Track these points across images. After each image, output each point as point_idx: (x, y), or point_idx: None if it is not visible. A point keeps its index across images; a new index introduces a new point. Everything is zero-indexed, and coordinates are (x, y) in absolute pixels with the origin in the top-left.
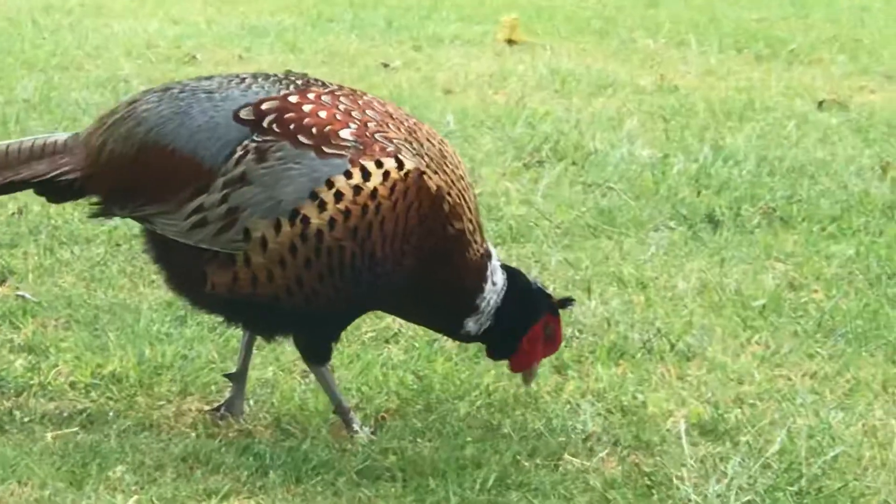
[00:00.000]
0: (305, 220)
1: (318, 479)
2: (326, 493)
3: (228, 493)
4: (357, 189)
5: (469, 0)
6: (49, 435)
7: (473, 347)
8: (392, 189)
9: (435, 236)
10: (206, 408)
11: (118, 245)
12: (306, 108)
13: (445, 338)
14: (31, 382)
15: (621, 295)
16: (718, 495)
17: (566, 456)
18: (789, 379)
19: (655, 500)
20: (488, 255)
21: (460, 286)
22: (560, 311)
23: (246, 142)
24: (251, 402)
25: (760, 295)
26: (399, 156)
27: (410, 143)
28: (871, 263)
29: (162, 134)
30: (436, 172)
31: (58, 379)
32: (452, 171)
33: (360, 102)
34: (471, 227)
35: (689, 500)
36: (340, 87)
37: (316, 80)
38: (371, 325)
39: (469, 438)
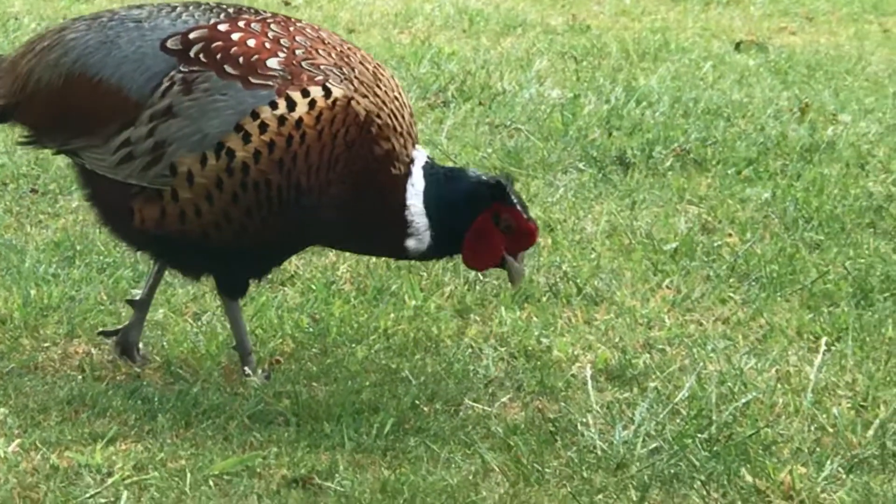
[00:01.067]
0: (230, 153)
1: (208, 423)
2: (217, 437)
3: (115, 437)
4: (282, 119)
5: None
6: None
7: (371, 290)
8: (318, 118)
9: (362, 160)
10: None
11: (5, 184)
12: (234, 36)
13: (342, 280)
14: None
15: None
16: (625, 442)
17: (467, 401)
18: (700, 324)
19: (559, 447)
20: (411, 163)
21: (385, 205)
22: (511, 200)
23: (172, 73)
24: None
25: (672, 238)
26: (327, 84)
27: (341, 69)
28: (788, 207)
29: (88, 64)
30: (365, 96)
31: None
32: (385, 92)
33: (290, 30)
34: (399, 143)
35: (595, 447)
36: (274, 15)
37: (249, 8)
38: None
39: (366, 383)
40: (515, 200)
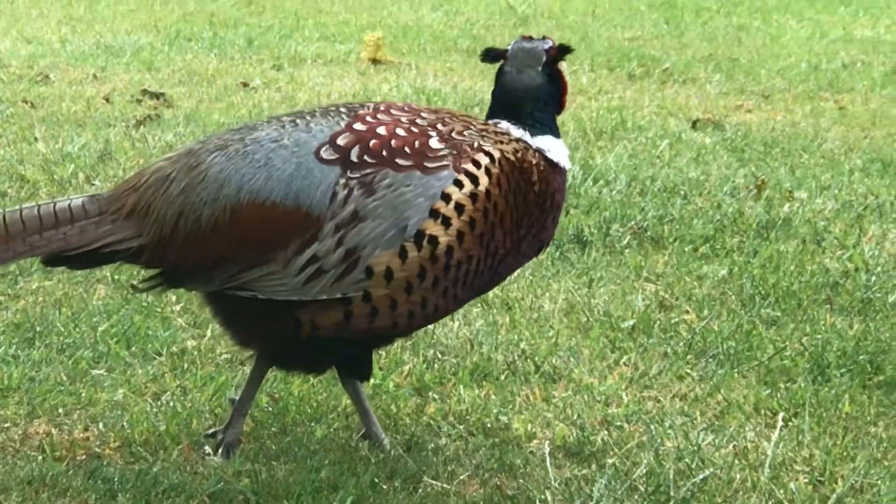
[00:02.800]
0: (433, 240)
1: (168, 502)
2: None
3: None
4: (473, 196)
5: (332, 19)
6: None
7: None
8: (499, 184)
9: (535, 204)
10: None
11: None
12: (381, 130)
13: None
14: None
15: (485, 316)
16: None
17: (426, 479)
18: (658, 401)
19: None
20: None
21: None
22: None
23: (342, 180)
24: (100, 425)
25: (629, 316)
26: (484, 148)
27: (471, 131)
28: (745, 284)
29: (255, 190)
30: (495, 145)
31: None
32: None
33: (411, 111)
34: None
35: None
36: (377, 104)
37: (350, 104)
38: (226, 346)
39: (326, 461)
40: (548, 44)
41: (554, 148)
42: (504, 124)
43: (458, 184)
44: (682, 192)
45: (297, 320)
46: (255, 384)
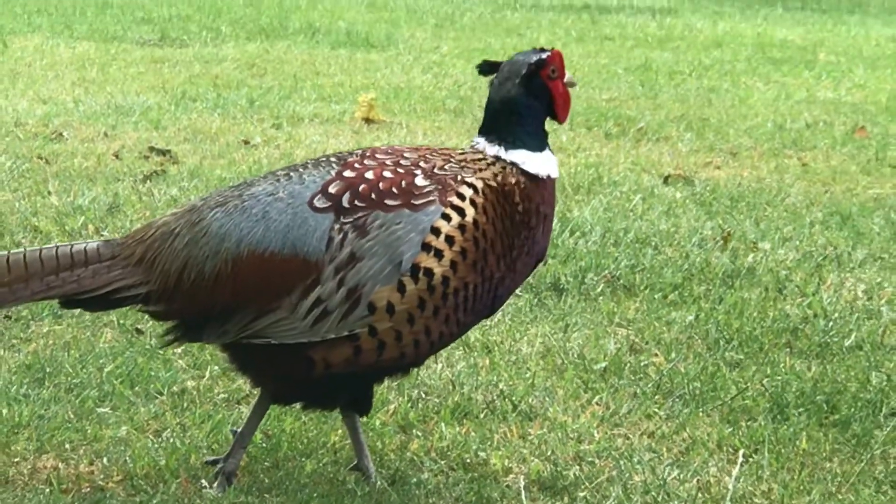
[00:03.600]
0: (428, 272)
1: None
2: None
3: None
4: (462, 227)
5: (328, 81)
6: None
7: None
8: (485, 212)
9: (521, 224)
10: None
11: None
12: (368, 174)
13: None
14: None
15: (467, 358)
16: None
17: None
18: (627, 438)
19: None
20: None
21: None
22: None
23: (336, 225)
24: (104, 460)
25: (602, 358)
26: (466, 180)
27: (451, 163)
28: (710, 329)
29: (254, 242)
30: (475, 173)
31: None
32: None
33: (395, 153)
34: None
35: None
36: (363, 150)
37: (340, 153)
38: (223, 386)
39: (314, 494)
40: (537, 56)
41: (530, 160)
42: (481, 143)
43: (447, 217)
44: (653, 243)
45: (310, 360)
46: (258, 418)
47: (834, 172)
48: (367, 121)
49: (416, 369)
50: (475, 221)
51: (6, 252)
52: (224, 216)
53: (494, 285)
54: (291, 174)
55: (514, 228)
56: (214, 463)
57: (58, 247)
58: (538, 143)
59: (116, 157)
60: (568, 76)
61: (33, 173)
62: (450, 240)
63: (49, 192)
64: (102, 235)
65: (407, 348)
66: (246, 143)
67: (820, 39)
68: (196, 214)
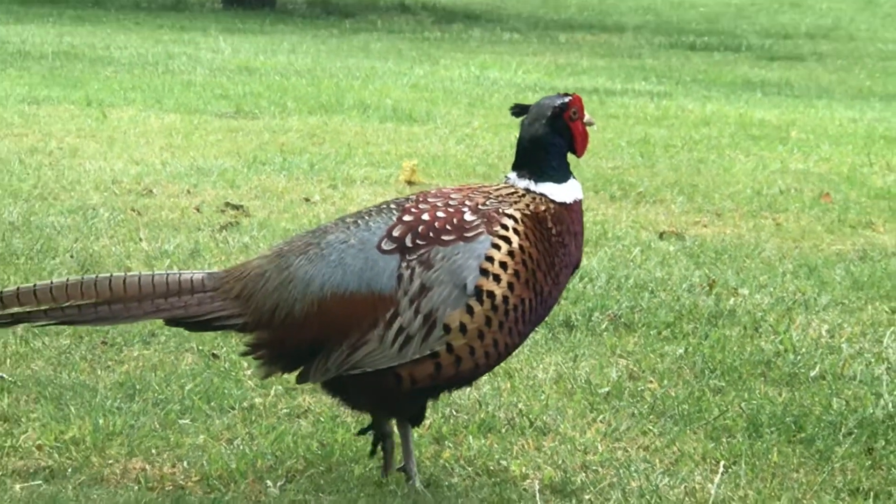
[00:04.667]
0: (490, 294)
1: None
2: None
3: None
4: (511, 253)
5: (377, 149)
6: (17, 487)
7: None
8: (527, 238)
9: (559, 244)
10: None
11: (81, 337)
12: (425, 216)
13: (345, 414)
14: (5, 445)
15: (491, 382)
16: None
17: None
18: (626, 451)
19: None
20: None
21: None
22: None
23: (404, 264)
24: (185, 463)
25: (605, 384)
26: (505, 211)
27: (491, 199)
28: (697, 360)
29: (335, 285)
30: (512, 205)
31: (27, 442)
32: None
33: (443, 194)
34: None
35: None
36: (416, 196)
37: (398, 199)
38: (286, 403)
39: (361, 493)
40: (561, 100)
41: (556, 191)
42: (512, 177)
43: (496, 246)
44: (650, 288)
45: (399, 377)
46: (408, 439)
47: (803, 231)
48: (410, 183)
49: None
50: (521, 247)
51: (124, 273)
52: (307, 263)
53: (546, 296)
54: (359, 221)
55: (553, 248)
56: (404, 468)
57: (168, 274)
58: (562, 174)
59: (197, 210)
60: (587, 117)
61: (127, 223)
62: (503, 265)
63: (140, 239)
64: None
65: (480, 360)
66: (307, 200)
67: (792, 119)
68: (284, 260)
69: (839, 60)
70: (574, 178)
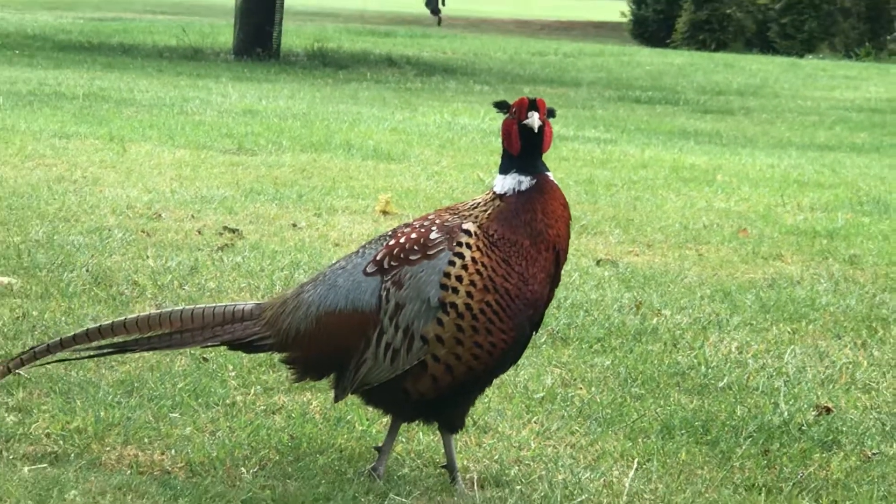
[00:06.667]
0: (453, 304)
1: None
2: None
3: None
4: (465, 266)
5: (358, 183)
6: (26, 469)
7: (332, 418)
8: (478, 248)
9: (507, 244)
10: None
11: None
12: (401, 239)
13: (314, 411)
14: (18, 432)
15: None
16: None
17: (391, 495)
18: (555, 448)
19: None
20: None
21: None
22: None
23: (383, 285)
24: (172, 451)
25: (541, 390)
26: (462, 227)
27: (457, 215)
28: (622, 371)
29: (326, 304)
30: (470, 219)
31: (37, 431)
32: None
33: (422, 219)
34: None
35: None
36: (407, 223)
37: (395, 228)
38: (263, 401)
39: (323, 480)
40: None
41: (498, 182)
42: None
43: (452, 262)
44: (585, 307)
45: (406, 391)
46: (394, 434)
47: (721, 261)
48: (384, 212)
49: (503, 374)
50: (473, 258)
51: (192, 307)
52: (313, 289)
53: (516, 293)
54: (360, 250)
55: (503, 250)
56: (375, 469)
57: (226, 306)
58: (505, 166)
59: (199, 233)
60: (530, 117)
61: (137, 243)
62: (459, 278)
63: (147, 257)
64: (184, 289)
65: (471, 363)
66: (294, 226)
67: (719, 165)
68: (301, 289)
69: (764, 115)
70: (521, 173)
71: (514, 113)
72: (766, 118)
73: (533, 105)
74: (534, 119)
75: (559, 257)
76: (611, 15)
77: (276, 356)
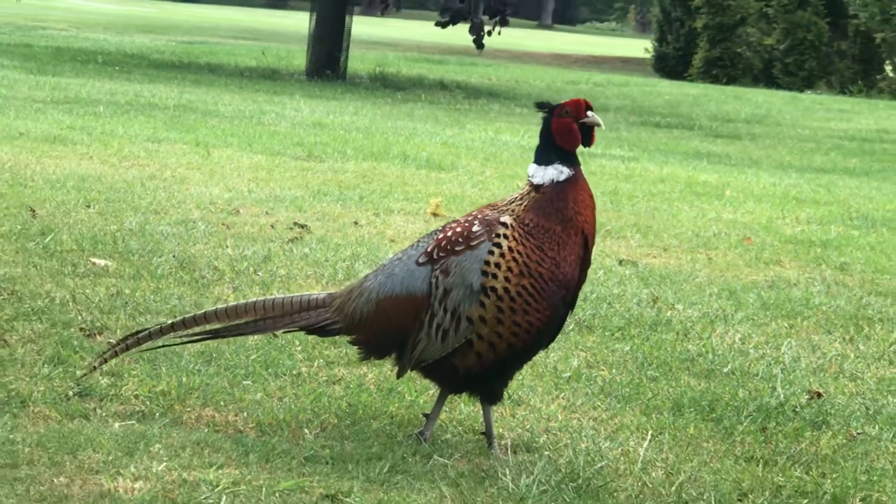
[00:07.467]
0: (493, 289)
1: (279, 460)
2: (284, 468)
3: (223, 465)
4: (502, 255)
5: (412, 188)
6: (117, 425)
7: (385, 389)
8: (514, 238)
9: (543, 232)
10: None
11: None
12: (448, 234)
13: (369, 382)
14: (110, 393)
15: None
16: (527, 486)
17: (435, 456)
18: (579, 420)
19: (487, 486)
20: (537, 186)
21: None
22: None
23: (433, 273)
24: (245, 413)
25: (568, 370)
26: (500, 220)
27: (496, 210)
28: (639, 356)
29: (384, 290)
30: (507, 213)
31: (127, 392)
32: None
33: (469, 215)
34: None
35: (508, 488)
36: (449, 222)
37: (446, 223)
38: (326, 373)
39: (376, 442)
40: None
41: (536, 171)
42: (531, 168)
43: (491, 251)
44: (608, 301)
45: (455, 367)
46: (441, 403)
47: (728, 264)
48: (435, 214)
49: (543, 350)
50: (510, 248)
51: (273, 296)
52: (374, 278)
53: (550, 276)
54: (415, 243)
55: (537, 238)
56: (422, 433)
57: (303, 296)
58: (545, 158)
59: (272, 227)
60: (589, 116)
61: (217, 234)
62: (498, 265)
63: (226, 246)
64: (258, 274)
65: (512, 340)
66: (355, 223)
67: (727, 182)
68: (365, 278)
69: (768, 140)
70: (564, 165)
71: (568, 112)
72: (770, 143)
73: (588, 106)
74: (595, 117)
75: (587, 241)
76: (636, 51)
77: (346, 339)
